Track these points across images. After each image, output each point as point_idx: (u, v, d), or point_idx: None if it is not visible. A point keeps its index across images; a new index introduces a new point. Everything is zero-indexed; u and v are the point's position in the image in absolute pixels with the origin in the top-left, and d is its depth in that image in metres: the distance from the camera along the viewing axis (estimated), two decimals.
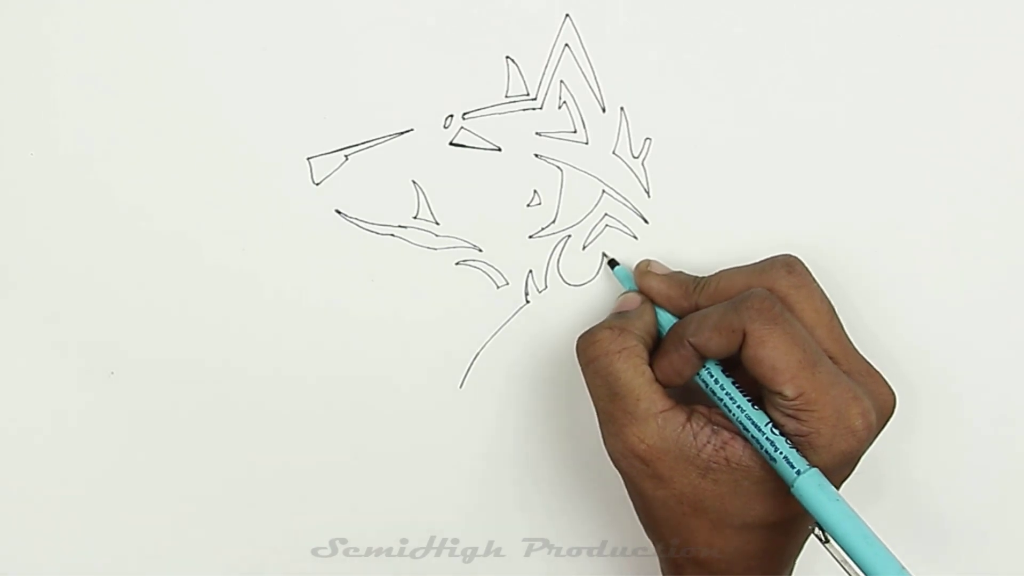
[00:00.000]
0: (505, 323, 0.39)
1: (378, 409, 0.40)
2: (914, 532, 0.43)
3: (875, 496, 0.42)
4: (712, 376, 0.35)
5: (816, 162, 0.39)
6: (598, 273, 0.39)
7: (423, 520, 0.41)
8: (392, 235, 0.38)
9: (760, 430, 0.33)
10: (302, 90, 0.37)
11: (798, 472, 0.32)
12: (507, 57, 0.37)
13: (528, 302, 0.39)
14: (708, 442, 0.34)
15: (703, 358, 0.35)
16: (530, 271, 0.39)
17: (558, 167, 0.38)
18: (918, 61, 0.38)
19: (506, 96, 0.37)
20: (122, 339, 0.39)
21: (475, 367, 0.40)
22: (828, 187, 0.39)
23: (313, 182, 0.37)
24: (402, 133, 0.37)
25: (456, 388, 0.40)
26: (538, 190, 0.38)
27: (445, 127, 0.37)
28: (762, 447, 0.33)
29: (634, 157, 0.38)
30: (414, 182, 0.38)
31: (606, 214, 0.39)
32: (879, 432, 0.35)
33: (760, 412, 0.34)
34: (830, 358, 0.34)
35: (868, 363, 0.36)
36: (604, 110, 0.38)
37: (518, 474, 0.41)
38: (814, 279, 0.36)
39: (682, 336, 0.34)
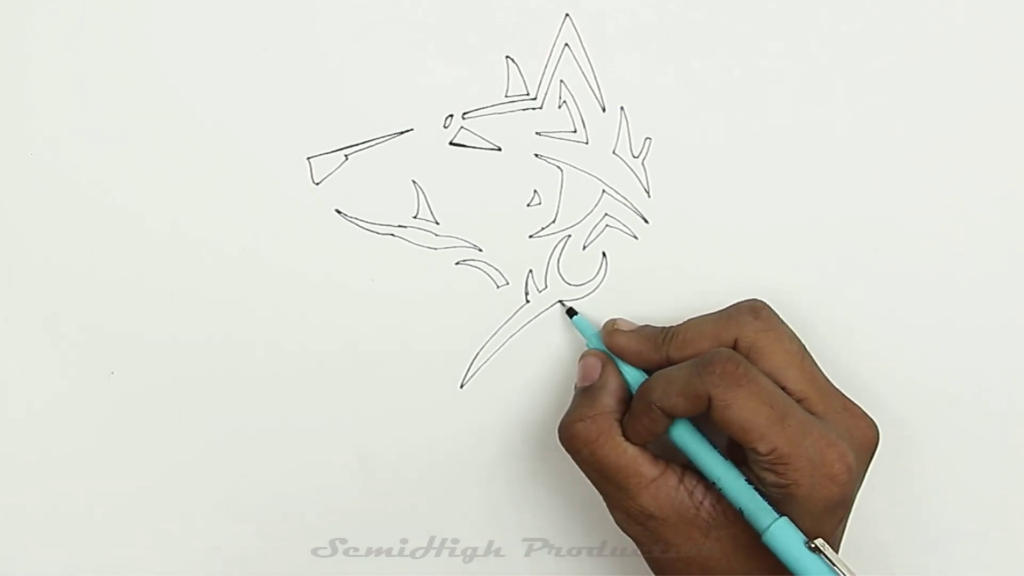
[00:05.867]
0: (505, 323, 0.39)
1: (378, 409, 0.40)
2: (914, 532, 0.43)
3: (874, 496, 0.42)
4: (683, 434, 0.35)
5: (816, 161, 0.39)
6: (598, 273, 0.39)
7: (423, 520, 0.41)
8: (392, 235, 0.38)
9: (731, 484, 0.34)
10: (302, 90, 0.37)
11: (768, 524, 0.33)
12: (507, 57, 0.37)
13: (528, 302, 0.39)
14: (704, 499, 0.34)
15: (672, 418, 0.35)
16: (530, 271, 0.39)
17: (558, 167, 0.38)
18: (919, 61, 0.38)
19: (506, 96, 0.37)
20: (122, 339, 0.39)
21: (475, 367, 0.40)
22: (828, 186, 0.39)
23: (313, 182, 0.37)
24: (402, 133, 0.37)
25: (456, 388, 0.40)
26: (538, 190, 0.38)
27: (445, 127, 0.37)
28: (734, 502, 0.34)
29: (634, 157, 0.38)
30: (414, 182, 0.38)
31: (606, 214, 0.39)
32: (866, 468, 0.35)
33: (728, 464, 0.34)
34: (804, 399, 0.34)
35: (845, 398, 0.36)
36: (604, 110, 0.38)
37: (518, 474, 0.41)
38: (781, 320, 0.36)
39: (649, 400, 0.35)
